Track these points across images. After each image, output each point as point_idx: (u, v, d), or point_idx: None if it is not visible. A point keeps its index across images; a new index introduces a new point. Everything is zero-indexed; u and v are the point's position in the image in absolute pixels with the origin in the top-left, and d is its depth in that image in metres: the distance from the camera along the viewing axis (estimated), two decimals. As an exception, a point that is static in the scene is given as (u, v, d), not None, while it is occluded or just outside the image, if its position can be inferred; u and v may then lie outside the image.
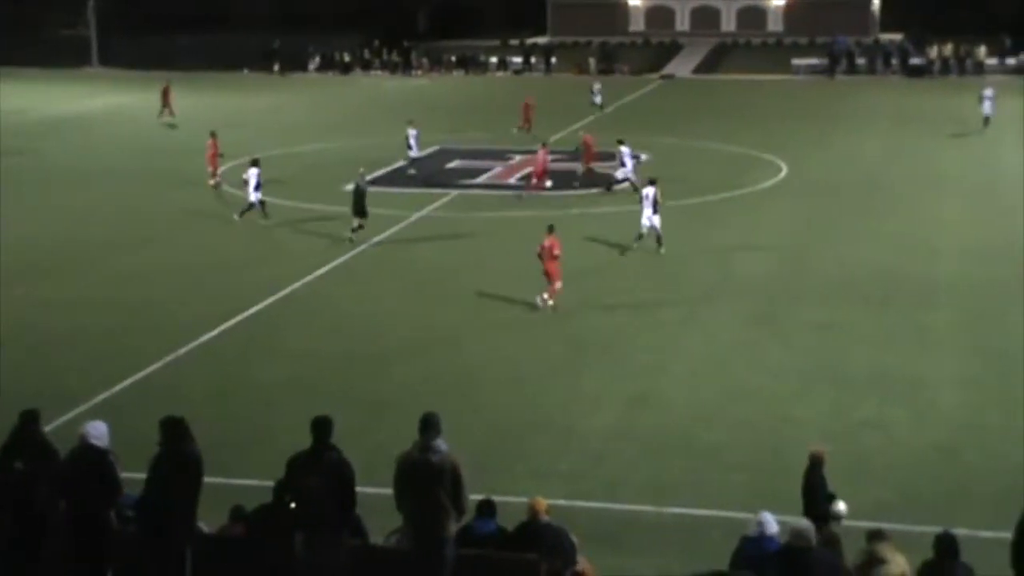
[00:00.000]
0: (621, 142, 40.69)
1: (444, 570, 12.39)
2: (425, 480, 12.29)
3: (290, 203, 38.71)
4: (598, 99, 61.50)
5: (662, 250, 31.74)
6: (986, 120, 51.83)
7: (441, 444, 12.38)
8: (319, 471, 12.40)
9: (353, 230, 33.26)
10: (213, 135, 41.88)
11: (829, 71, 76.95)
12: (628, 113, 56.90)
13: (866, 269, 30.07)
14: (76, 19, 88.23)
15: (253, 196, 36.16)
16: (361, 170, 35.63)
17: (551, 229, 27.45)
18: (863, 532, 12.68)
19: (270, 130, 55.28)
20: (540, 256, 26.99)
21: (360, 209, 33.33)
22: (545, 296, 26.98)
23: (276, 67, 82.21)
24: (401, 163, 44.28)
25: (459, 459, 12.54)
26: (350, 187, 35.10)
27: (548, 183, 40.34)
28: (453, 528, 12.47)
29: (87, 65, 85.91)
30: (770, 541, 12.33)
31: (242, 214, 36.10)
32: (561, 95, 66.70)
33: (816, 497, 14.86)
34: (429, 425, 12.45)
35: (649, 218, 31.66)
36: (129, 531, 13.03)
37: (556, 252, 26.78)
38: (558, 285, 26.85)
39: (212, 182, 41.17)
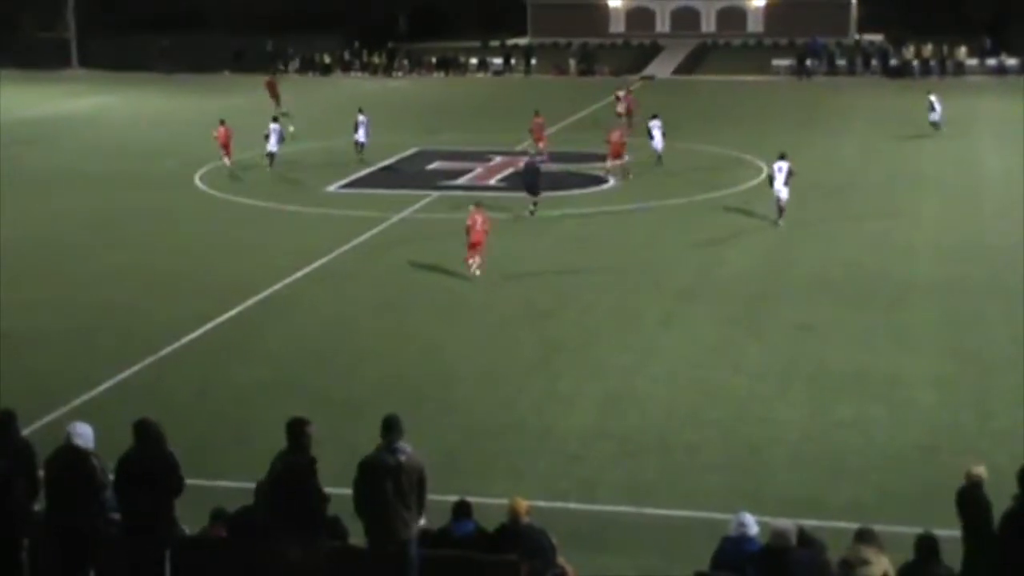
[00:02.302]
0: (655, 116, 45.34)
1: (412, 571, 12.40)
2: (393, 481, 12.27)
3: (269, 204, 38.69)
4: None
5: (781, 222, 34.40)
6: (935, 125, 51.54)
7: (405, 445, 12.38)
8: (287, 471, 12.38)
9: (533, 205, 36.12)
10: (222, 122, 45.13)
11: (799, 72, 77.01)
12: (609, 115, 56.85)
13: (845, 269, 30.15)
14: (55, 21, 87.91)
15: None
16: (531, 151, 38.89)
17: (478, 205, 30.33)
18: (843, 532, 12.73)
19: (250, 131, 55.07)
20: (469, 230, 29.48)
21: (533, 187, 35.99)
22: (477, 264, 29.44)
23: (283, 67, 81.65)
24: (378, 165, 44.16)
25: (423, 460, 12.57)
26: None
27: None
28: (416, 529, 12.49)
29: (67, 67, 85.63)
30: (750, 542, 12.33)
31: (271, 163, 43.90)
32: (542, 97, 66.78)
33: (982, 523, 13.17)
34: (392, 426, 12.44)
35: (779, 190, 34.42)
36: (110, 533, 12.99)
37: (487, 227, 29.52)
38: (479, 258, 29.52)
39: (228, 163, 44.55)
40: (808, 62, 77.80)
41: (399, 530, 12.35)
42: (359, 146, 46.85)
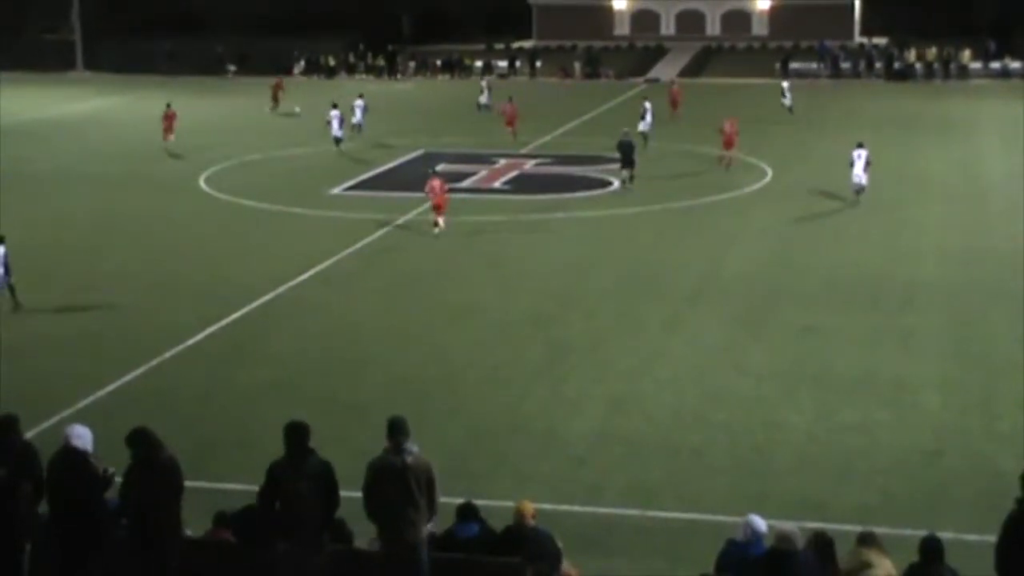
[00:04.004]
0: (646, 98, 51.53)
1: (422, 573, 12.38)
2: (402, 482, 12.26)
3: (275, 207, 38.69)
4: (484, 99, 61.48)
5: (859, 200, 37.67)
6: (790, 109, 58.31)
7: (412, 445, 12.38)
8: (305, 475, 12.36)
9: (627, 180, 40.62)
10: (169, 106, 51.28)
11: (782, 75, 76.77)
12: (614, 117, 56.90)
13: (850, 272, 30.11)
14: (59, 23, 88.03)
15: (337, 132, 49.12)
16: (625, 130, 42.66)
17: (435, 172, 36.35)
18: (848, 535, 12.70)
19: (254, 133, 55.22)
20: (430, 193, 34.44)
21: (629, 162, 40.49)
22: (440, 226, 34.10)
23: (232, 68, 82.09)
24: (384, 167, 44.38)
25: (431, 459, 12.56)
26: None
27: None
28: (426, 530, 12.49)
29: (72, 69, 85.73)
30: (755, 545, 12.29)
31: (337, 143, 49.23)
32: (547, 99, 66.93)
33: None
34: (398, 427, 12.42)
35: (858, 175, 37.75)
36: (112, 535, 12.96)
37: (445, 190, 34.64)
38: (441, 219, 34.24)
39: (169, 140, 50.17)
40: (792, 65, 77.84)
41: (407, 532, 12.33)
42: (357, 127, 52.55)
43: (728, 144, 44.49)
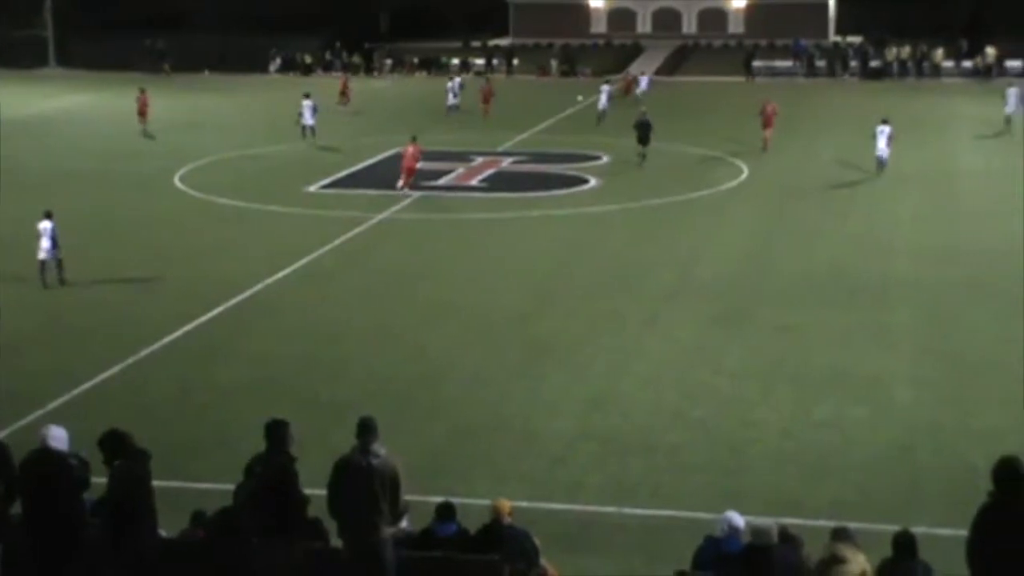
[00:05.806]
0: (608, 81, 58.98)
1: (387, 573, 12.42)
2: (366, 483, 12.30)
3: (251, 205, 38.63)
4: (451, 99, 59.51)
5: (880, 173, 41.02)
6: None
7: (380, 447, 12.43)
8: (261, 472, 12.40)
9: (642, 156, 43.92)
10: (143, 91, 54.06)
11: (746, 73, 76.93)
12: (589, 114, 56.97)
13: (826, 269, 30.25)
14: (31, 20, 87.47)
15: (309, 121, 49.91)
16: (643, 108, 47.08)
17: (414, 139, 40.64)
18: (824, 531, 12.80)
19: (229, 131, 55.07)
20: (403, 157, 39.74)
21: (644, 139, 43.78)
22: (401, 184, 39.43)
23: (166, 67, 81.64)
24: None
25: (398, 462, 12.61)
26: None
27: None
28: (388, 531, 12.51)
29: (44, 66, 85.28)
30: (733, 541, 12.37)
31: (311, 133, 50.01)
32: (524, 97, 66.99)
33: None
34: (367, 428, 12.47)
35: (882, 150, 40.89)
36: (89, 536, 12.95)
37: (417, 156, 39.87)
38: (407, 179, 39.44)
39: (143, 128, 52.84)
40: (755, 63, 78.08)
41: (368, 531, 12.36)
42: (454, 108, 58.32)
43: (767, 125, 46.77)
